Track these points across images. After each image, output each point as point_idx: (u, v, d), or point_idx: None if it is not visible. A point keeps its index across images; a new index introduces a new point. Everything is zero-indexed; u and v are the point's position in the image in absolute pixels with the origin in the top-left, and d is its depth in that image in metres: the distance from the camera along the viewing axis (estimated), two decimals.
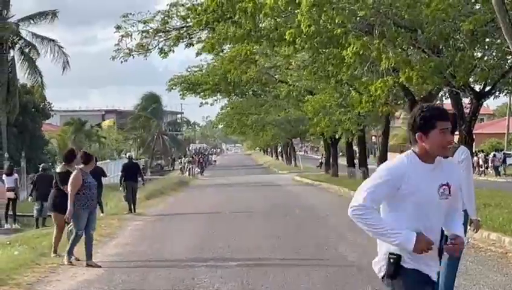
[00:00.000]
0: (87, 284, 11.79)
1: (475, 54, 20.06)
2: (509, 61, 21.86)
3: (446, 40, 19.63)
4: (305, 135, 66.94)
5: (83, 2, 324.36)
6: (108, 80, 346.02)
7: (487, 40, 20.54)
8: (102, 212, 24.35)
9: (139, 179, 27.36)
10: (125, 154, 47.65)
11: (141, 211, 26.55)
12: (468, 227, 9.40)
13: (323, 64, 26.31)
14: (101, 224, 19.19)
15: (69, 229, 14.06)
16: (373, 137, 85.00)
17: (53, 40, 54.63)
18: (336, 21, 18.12)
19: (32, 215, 25.56)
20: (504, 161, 56.10)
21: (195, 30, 28.08)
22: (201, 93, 48.47)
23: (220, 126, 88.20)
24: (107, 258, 14.27)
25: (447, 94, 28.44)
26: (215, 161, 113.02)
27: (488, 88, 23.29)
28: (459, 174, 5.52)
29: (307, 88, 41.19)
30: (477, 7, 19.15)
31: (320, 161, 49.43)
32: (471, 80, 21.88)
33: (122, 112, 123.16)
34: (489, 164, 55.80)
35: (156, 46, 29.63)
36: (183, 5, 28.76)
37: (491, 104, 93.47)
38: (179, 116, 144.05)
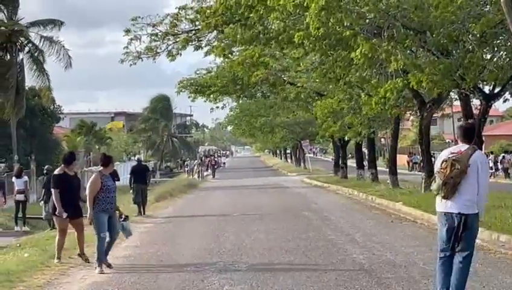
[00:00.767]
0: (97, 287, 11.82)
1: (484, 56, 20.00)
2: None
3: (455, 42, 19.61)
4: (315, 137, 66.80)
5: (91, 4, 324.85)
6: (117, 82, 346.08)
7: (498, 42, 20.49)
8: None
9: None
10: (134, 157, 47.77)
11: (150, 213, 26.61)
12: None
13: (332, 66, 26.32)
14: None
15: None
16: (382, 139, 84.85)
17: (60, 42, 54.73)
18: (345, 23, 18.13)
19: (42, 218, 25.59)
20: None
21: (204, 33, 28.12)
22: (211, 96, 48.48)
23: (229, 128, 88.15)
24: (117, 260, 14.28)
25: (456, 96, 28.45)
26: (224, 163, 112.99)
27: (497, 90, 23.25)
28: None
29: (316, 90, 41.17)
30: (486, 9, 19.11)
31: (344, 162, 49.14)
32: (480, 81, 21.82)
33: (132, 114, 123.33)
34: (499, 166, 55.66)
35: (164, 49, 29.70)
36: (191, 8, 28.80)
37: (500, 106, 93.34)
38: (188, 118, 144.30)
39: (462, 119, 24.54)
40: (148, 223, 22.77)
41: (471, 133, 9.47)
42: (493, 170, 53.83)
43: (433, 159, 26.53)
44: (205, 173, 73.85)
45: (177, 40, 29.48)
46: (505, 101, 25.81)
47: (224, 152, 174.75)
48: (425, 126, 29.04)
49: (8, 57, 53.34)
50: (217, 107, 52.99)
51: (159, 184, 52.11)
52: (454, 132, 69.16)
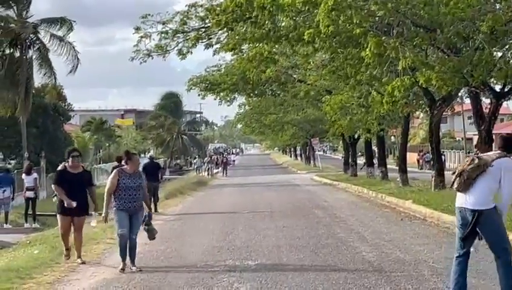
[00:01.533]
0: (106, 283, 11.85)
1: (494, 54, 19.94)
2: None
3: (465, 40, 19.55)
4: (324, 135, 66.73)
5: (101, 2, 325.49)
6: (127, 80, 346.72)
7: (509, 39, 20.40)
8: None
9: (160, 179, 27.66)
10: (145, 154, 47.81)
11: (160, 210, 26.65)
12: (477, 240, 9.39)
13: (342, 64, 26.28)
14: None
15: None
16: (392, 137, 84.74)
17: (70, 43, 54.68)
18: (354, 21, 18.10)
19: (54, 214, 25.65)
20: None
21: (214, 31, 28.08)
22: (221, 94, 48.45)
23: (239, 126, 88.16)
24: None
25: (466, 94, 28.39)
26: (233, 160, 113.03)
27: (507, 88, 23.18)
28: None
29: (326, 88, 41.14)
30: (497, 6, 19.04)
31: (364, 161, 48.88)
32: (490, 79, 21.75)
33: (142, 111, 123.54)
34: None
35: (174, 47, 29.67)
36: (201, 5, 28.78)
37: (511, 104, 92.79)
38: (198, 116, 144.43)
39: (472, 117, 24.47)
40: (157, 221, 22.74)
41: (508, 143, 9.40)
42: None
43: (443, 157, 26.52)
44: (215, 171, 73.88)
45: (187, 38, 29.45)
46: None
47: (235, 150, 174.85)
48: (435, 124, 29.00)
49: (18, 54, 53.44)
50: (228, 104, 53.05)
51: (169, 181, 52.19)
52: (464, 130, 69.11)
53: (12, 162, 55.55)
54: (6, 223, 28.19)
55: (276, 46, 27.44)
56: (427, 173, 44.21)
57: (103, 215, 13.34)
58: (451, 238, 16.10)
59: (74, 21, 55.62)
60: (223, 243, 16.49)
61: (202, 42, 29.35)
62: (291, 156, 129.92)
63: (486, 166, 8.95)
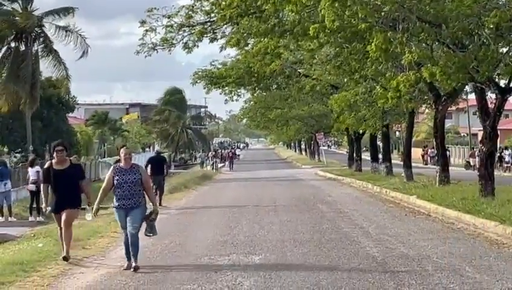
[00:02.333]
0: (110, 277, 11.88)
1: (500, 50, 19.89)
2: None
3: (470, 35, 19.52)
4: (329, 130, 66.69)
5: None
6: (132, 74, 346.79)
7: None
8: None
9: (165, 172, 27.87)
10: (150, 148, 47.84)
11: (165, 204, 26.68)
12: None
13: (347, 59, 26.26)
14: None
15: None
16: (397, 132, 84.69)
17: (77, 31, 54.69)
18: (359, 16, 18.07)
19: None
20: None
21: (219, 25, 28.08)
22: (226, 88, 48.47)
23: (244, 120, 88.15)
24: None
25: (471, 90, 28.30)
26: (238, 155, 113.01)
27: None
28: None
29: (331, 83, 41.12)
30: (502, 2, 18.99)
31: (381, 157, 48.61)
32: (495, 75, 21.71)
33: (146, 105, 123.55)
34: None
35: (180, 41, 29.70)
36: None
37: None
38: (203, 110, 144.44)
39: (477, 113, 24.42)
40: (162, 215, 22.70)
41: None
42: (510, 164, 53.65)
43: (447, 152, 26.43)
44: (220, 165, 73.89)
45: (193, 31, 29.47)
46: None
47: (240, 144, 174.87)
48: (440, 120, 28.96)
49: (23, 47, 53.49)
50: (236, 100, 53.19)
51: (174, 175, 52.26)
52: (470, 126, 69.05)
53: (18, 155, 55.55)
54: (10, 217, 28.19)
55: (282, 41, 27.40)
56: (431, 169, 44.20)
57: (93, 210, 12.91)
58: (455, 234, 16.16)
59: (76, 8, 55.73)
60: (227, 237, 16.50)
61: (207, 36, 29.37)
62: (295, 151, 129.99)
63: None
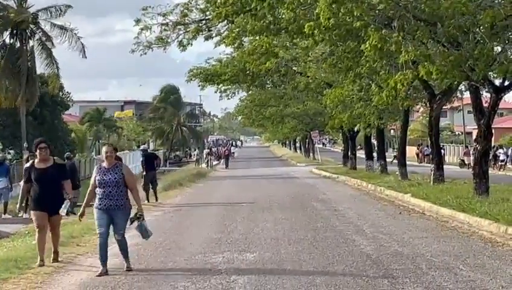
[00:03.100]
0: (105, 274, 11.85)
1: (495, 48, 19.91)
2: None
3: (465, 34, 19.52)
4: (324, 128, 66.65)
5: None
6: (127, 71, 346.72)
7: (510, 34, 20.36)
8: None
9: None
10: (144, 145, 47.84)
11: (159, 201, 26.68)
12: None
13: (341, 57, 26.25)
14: None
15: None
16: (391, 130, 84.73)
17: (72, 30, 54.70)
18: (355, 14, 18.07)
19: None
20: None
21: (214, 23, 28.05)
22: (220, 85, 48.45)
23: (239, 118, 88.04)
24: None
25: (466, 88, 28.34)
26: (233, 153, 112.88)
27: (507, 82, 23.16)
28: None
29: (326, 80, 41.10)
30: (497, 1, 19.01)
31: (394, 155, 48.36)
32: (490, 74, 21.73)
33: (141, 102, 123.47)
34: (509, 159, 55.54)
35: (175, 39, 29.68)
36: None
37: (511, 98, 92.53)
38: (198, 107, 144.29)
39: (472, 111, 24.45)
40: (156, 212, 22.82)
41: None
42: (504, 163, 53.77)
43: (442, 151, 26.48)
44: (214, 163, 73.82)
45: (188, 30, 29.43)
46: None
47: (235, 142, 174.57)
48: (435, 118, 28.99)
49: (18, 44, 53.47)
50: (229, 97, 53.19)
51: (169, 173, 52.21)
52: (464, 124, 69.16)
53: (12, 152, 55.47)
54: (5, 213, 28.15)
55: (276, 39, 27.41)
56: (426, 167, 44.24)
57: (79, 212, 12.41)
58: (449, 232, 16.18)
59: (70, 6, 55.68)
60: (221, 235, 16.50)
61: (202, 34, 29.37)
62: (290, 149, 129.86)
63: None
